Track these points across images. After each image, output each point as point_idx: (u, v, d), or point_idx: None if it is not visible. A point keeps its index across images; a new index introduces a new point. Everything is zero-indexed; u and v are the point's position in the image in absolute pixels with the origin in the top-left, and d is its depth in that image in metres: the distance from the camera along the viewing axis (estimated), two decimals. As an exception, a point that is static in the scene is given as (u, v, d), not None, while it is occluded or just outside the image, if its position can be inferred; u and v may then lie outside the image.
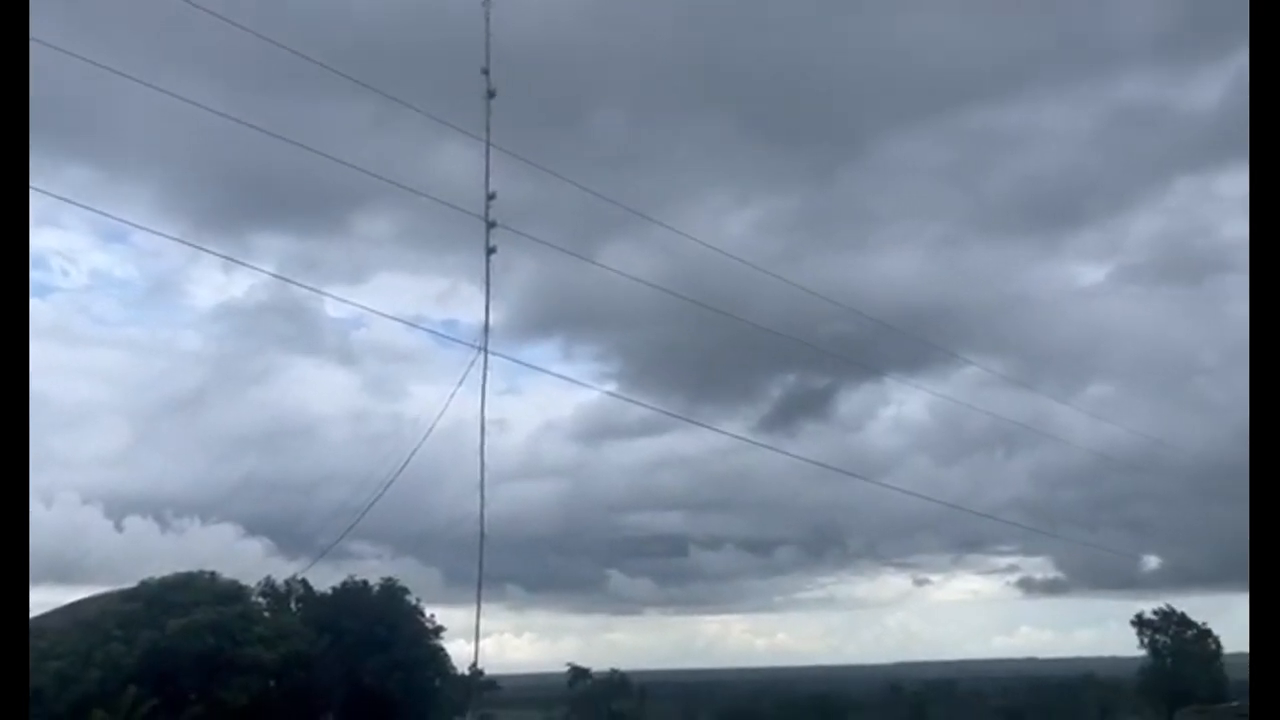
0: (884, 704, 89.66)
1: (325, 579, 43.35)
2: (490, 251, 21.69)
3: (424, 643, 43.79)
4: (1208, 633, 71.66)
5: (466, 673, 36.72)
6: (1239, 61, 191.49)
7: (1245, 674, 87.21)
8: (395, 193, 24.81)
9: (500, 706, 56.15)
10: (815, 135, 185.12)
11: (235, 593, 40.95)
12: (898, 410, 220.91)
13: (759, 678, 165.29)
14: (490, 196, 21.43)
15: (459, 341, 22.54)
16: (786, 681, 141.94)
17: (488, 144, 21.21)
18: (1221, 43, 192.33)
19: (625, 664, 63.04)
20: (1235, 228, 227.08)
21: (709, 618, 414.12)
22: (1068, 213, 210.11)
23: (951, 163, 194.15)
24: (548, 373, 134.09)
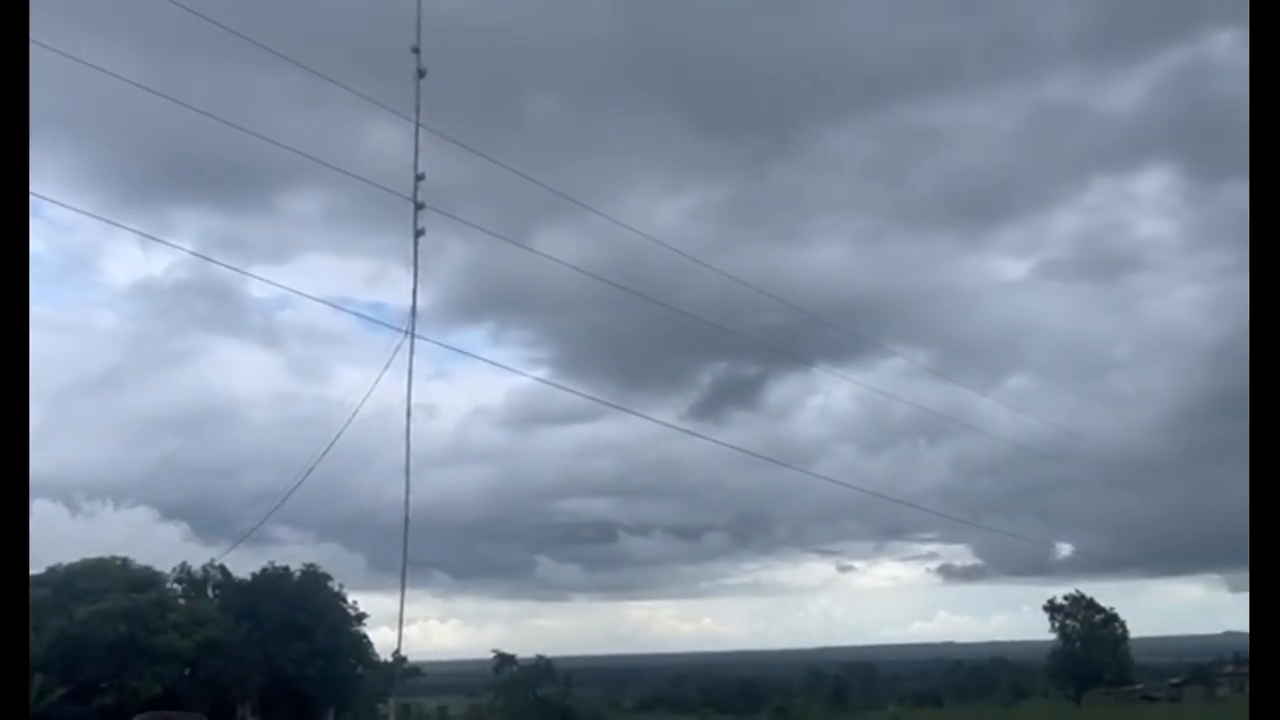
0: (805, 688, 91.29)
1: (245, 565, 42.48)
2: (418, 234, 21.30)
3: (346, 630, 43.18)
4: (1114, 617, 74.36)
5: (389, 660, 36.34)
6: (1156, 64, 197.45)
7: (1149, 658, 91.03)
8: (322, 171, 24.21)
9: (424, 693, 55.76)
10: (749, 126, 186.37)
11: (149, 579, 39.86)
12: (825, 400, 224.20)
13: (684, 663, 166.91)
14: (419, 178, 21.02)
15: (385, 325, 22.12)
16: (711, 666, 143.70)
17: (417, 124, 20.78)
18: (1140, 46, 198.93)
19: (552, 650, 63.09)
20: (1150, 227, 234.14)
21: (636, 604, 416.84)
22: (991, 208, 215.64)
23: (880, 157, 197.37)
24: (477, 358, 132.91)
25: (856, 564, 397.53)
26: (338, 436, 23.49)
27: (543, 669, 55.42)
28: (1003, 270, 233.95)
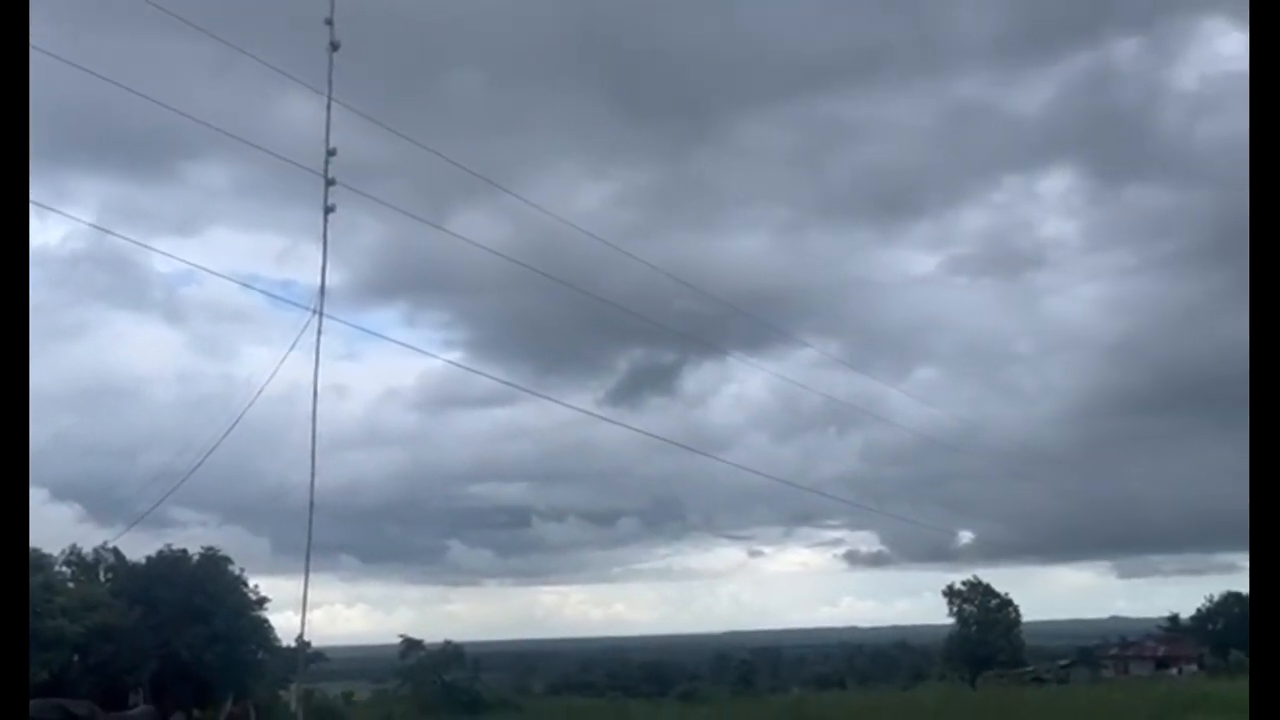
0: (712, 671, 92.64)
1: (142, 548, 41.03)
2: (329, 210, 20.81)
3: (246, 614, 42.09)
4: (1009, 602, 77.23)
5: (292, 645, 35.58)
6: (1064, 68, 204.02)
7: (1040, 641, 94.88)
8: (232, 142, 23.48)
9: (328, 679, 54.85)
10: (672, 112, 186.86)
11: (35, 562, 38.19)
12: (740, 388, 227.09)
13: (594, 647, 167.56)
14: (330, 153, 20.53)
15: (292, 303, 21.59)
16: (620, 651, 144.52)
17: (329, 97, 20.29)
18: (1049, 50, 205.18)
19: (462, 636, 62.59)
20: (1053, 226, 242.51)
21: (548, 589, 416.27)
22: (905, 203, 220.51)
23: (799, 148, 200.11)
24: (388, 339, 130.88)
25: (766, 549, 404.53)
26: (241, 416, 22.88)
27: (451, 654, 54.95)
28: (913, 264, 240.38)
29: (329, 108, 20.24)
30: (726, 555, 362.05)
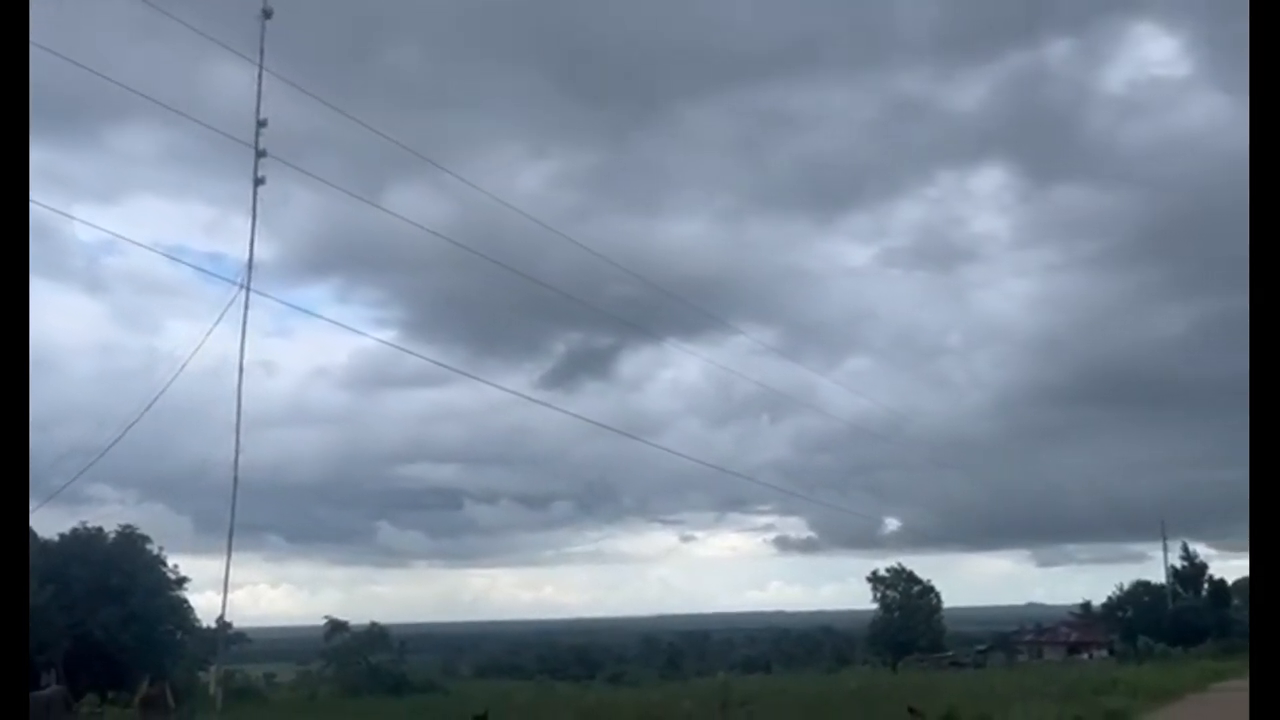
0: (641, 655, 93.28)
1: (55, 525, 39.75)
2: (259, 182, 20.41)
3: (164, 594, 41.11)
4: (931, 589, 79.14)
5: (213, 626, 34.83)
6: (1001, 65, 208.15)
7: (960, 627, 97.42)
8: (159, 109, 22.78)
9: (249, 660, 53.90)
10: (614, 96, 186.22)
11: (-57, 538, 36.84)
12: (675, 373, 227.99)
13: (523, 630, 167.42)
14: (261, 123, 20.11)
15: (220, 277, 21.11)
16: (549, 634, 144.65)
17: (260, 66, 19.84)
18: (987, 47, 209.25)
19: (388, 617, 61.97)
20: (985, 222, 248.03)
21: (478, 571, 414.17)
22: (842, 194, 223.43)
23: (740, 136, 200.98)
24: (317, 316, 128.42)
25: (697, 534, 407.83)
26: (163, 390, 22.33)
27: (377, 636, 54.40)
28: (848, 255, 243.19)
29: (260, 77, 19.81)
30: (658, 539, 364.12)
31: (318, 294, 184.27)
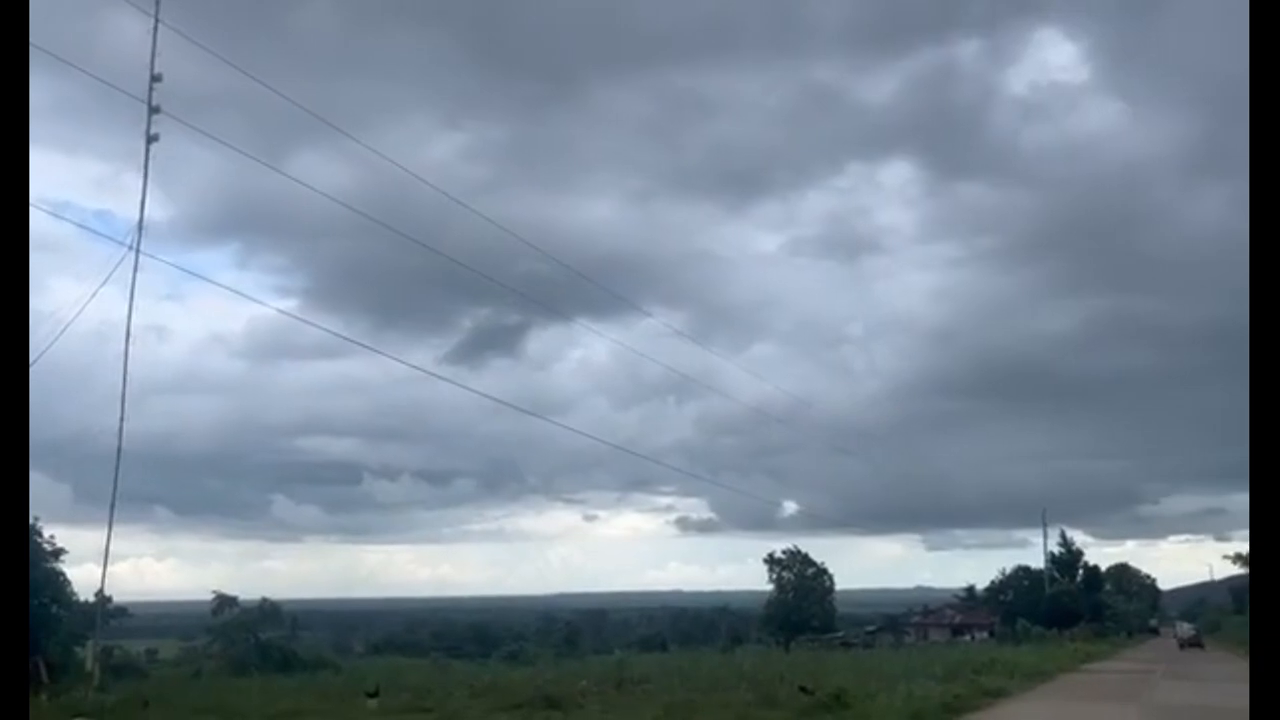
0: (538, 633, 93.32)
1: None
2: (151, 139, 19.51)
3: (39, 565, 39.20)
4: (824, 571, 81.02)
5: (91, 599, 33.42)
6: (912, 61, 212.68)
7: (851, 608, 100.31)
8: (46, 57, 21.53)
9: (131, 636, 51.94)
10: (528, 69, 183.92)
11: None
12: (584, 353, 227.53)
13: (420, 608, 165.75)
14: (155, 78, 19.20)
15: (106, 236, 20.13)
16: (447, 612, 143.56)
17: (156, 19, 18.93)
18: (899, 42, 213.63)
19: (281, 593, 60.48)
20: (890, 215, 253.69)
21: (375, 547, 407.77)
22: (752, 181, 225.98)
23: (653, 118, 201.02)
24: (209, 281, 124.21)
25: (600, 513, 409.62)
26: (44, 352, 21.24)
27: (267, 612, 53.02)
28: (758, 242, 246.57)
29: (155, 29, 18.91)
30: (560, 518, 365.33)
31: (215, 258, 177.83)
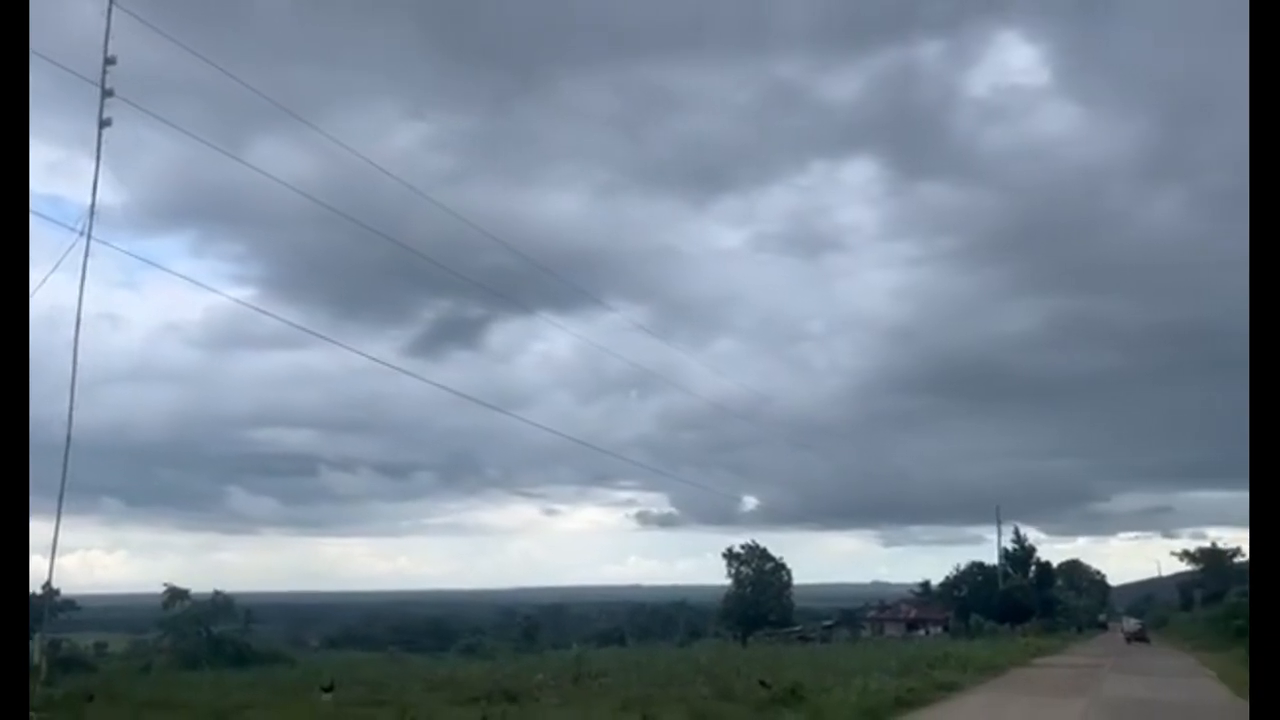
0: (496, 627, 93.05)
1: None
2: (104, 124, 19.08)
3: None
4: (782, 565, 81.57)
5: (39, 592, 32.79)
6: (876, 60, 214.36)
7: (809, 603, 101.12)
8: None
9: (79, 629, 51.09)
10: (495, 61, 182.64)
11: None
12: (546, 347, 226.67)
13: (377, 602, 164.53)
14: (109, 61, 18.79)
15: (57, 222, 19.67)
16: (404, 605, 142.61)
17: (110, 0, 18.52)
18: (863, 41, 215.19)
19: (235, 586, 59.74)
20: (852, 212, 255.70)
21: (332, 540, 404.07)
22: (717, 177, 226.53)
23: (620, 112, 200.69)
24: (164, 269, 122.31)
25: (560, 508, 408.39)
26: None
27: (220, 605, 52.38)
28: (721, 238, 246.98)
29: (110, 10, 18.50)
30: (520, 512, 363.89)
31: (170, 245, 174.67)
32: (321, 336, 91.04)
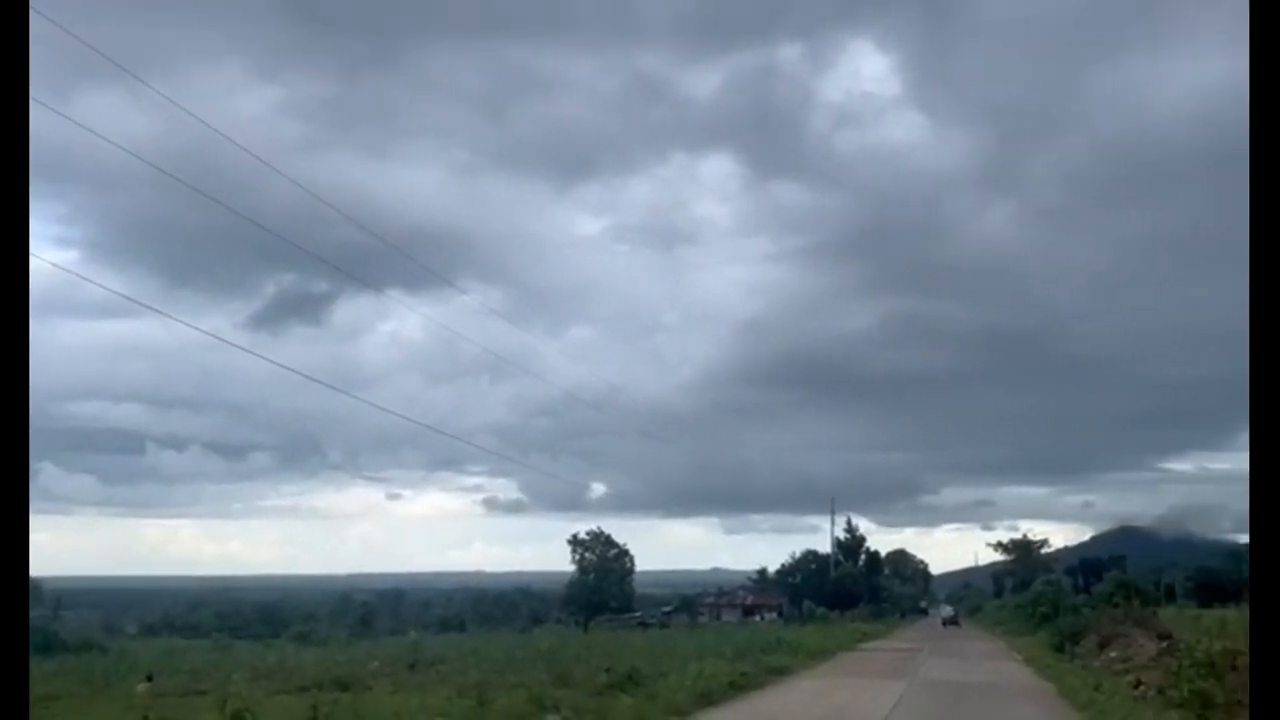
0: (332, 613, 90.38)
1: None
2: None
3: None
4: (626, 552, 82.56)
5: None
6: (737, 59, 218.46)
7: (650, 589, 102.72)
8: None
9: None
10: (351, 26, 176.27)
11: None
12: (395, 327, 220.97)
13: (204, 586, 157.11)
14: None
15: None
16: (234, 591, 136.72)
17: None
18: (726, 38, 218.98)
19: (44, 569, 55.91)
20: (709, 208, 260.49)
21: (157, 521, 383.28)
22: (578, 164, 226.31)
23: (481, 90, 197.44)
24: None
25: (405, 492, 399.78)
26: None
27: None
28: (580, 225, 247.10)
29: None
30: (362, 496, 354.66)
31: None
32: (149, 307, 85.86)
